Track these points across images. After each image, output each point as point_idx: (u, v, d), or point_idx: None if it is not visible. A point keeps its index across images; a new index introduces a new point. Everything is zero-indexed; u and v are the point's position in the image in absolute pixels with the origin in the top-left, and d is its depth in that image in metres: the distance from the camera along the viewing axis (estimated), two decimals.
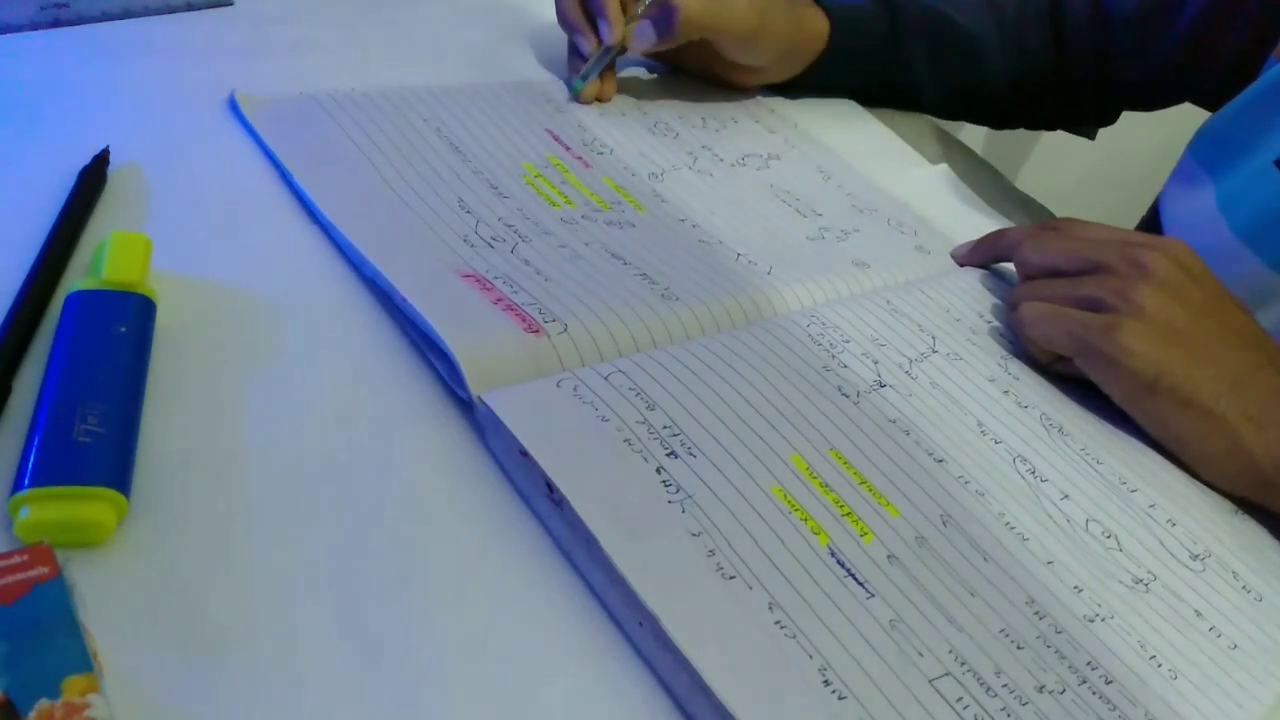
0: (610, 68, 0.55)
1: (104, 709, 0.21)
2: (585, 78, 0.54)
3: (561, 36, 0.57)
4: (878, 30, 0.64)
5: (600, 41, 0.54)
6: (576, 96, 0.54)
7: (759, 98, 0.62)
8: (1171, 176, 0.60)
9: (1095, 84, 0.69)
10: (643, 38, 0.55)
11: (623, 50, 0.55)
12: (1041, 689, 0.30)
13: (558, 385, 0.34)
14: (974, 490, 0.37)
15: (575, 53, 0.56)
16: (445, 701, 0.26)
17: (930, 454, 0.37)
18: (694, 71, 0.61)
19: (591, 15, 0.55)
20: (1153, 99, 0.70)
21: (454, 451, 0.33)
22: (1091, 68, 0.68)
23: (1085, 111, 0.74)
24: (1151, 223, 0.61)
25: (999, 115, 0.74)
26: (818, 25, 0.61)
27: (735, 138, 0.56)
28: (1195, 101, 0.67)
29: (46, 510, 0.26)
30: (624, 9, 0.55)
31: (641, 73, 0.60)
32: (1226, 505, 0.41)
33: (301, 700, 0.25)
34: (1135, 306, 0.41)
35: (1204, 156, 0.57)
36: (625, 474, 0.32)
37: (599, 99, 0.55)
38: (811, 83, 0.64)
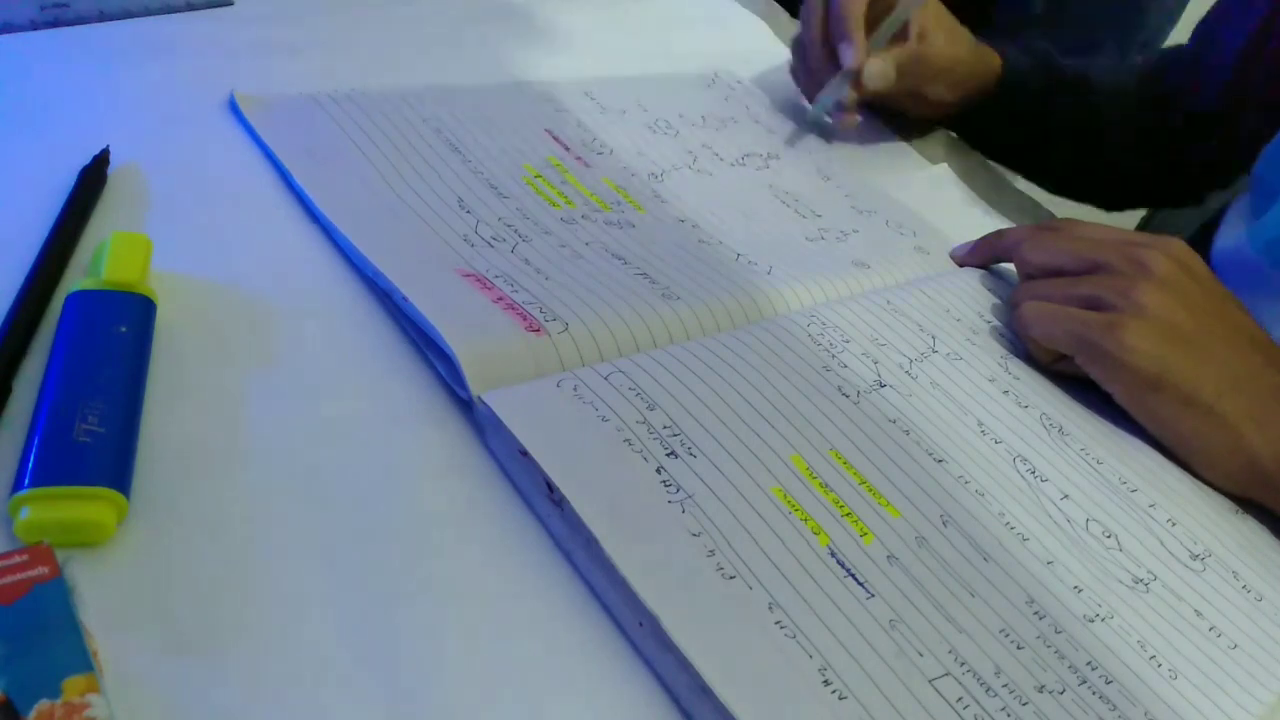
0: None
1: (104, 709, 0.21)
2: (834, 99, 0.52)
3: (562, 35, 0.56)
4: (1034, 86, 0.63)
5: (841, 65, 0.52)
6: (819, 120, 0.52)
7: (757, 96, 0.62)
8: (1220, 227, 0.61)
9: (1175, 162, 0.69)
10: (882, 77, 0.53)
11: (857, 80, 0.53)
12: (1041, 689, 0.30)
13: (558, 385, 0.34)
14: (974, 490, 0.37)
15: (805, 72, 0.54)
16: (444, 700, 0.26)
17: (930, 454, 0.37)
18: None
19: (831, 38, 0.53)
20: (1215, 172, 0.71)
21: (454, 451, 0.33)
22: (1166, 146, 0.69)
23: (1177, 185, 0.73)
24: (1154, 228, 0.62)
25: (1109, 196, 0.74)
26: (993, 62, 0.61)
27: (735, 138, 0.56)
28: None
29: (46, 510, 0.26)
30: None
31: (640, 72, 0.60)
32: (1227, 505, 0.41)
33: (301, 700, 0.25)
34: (1137, 305, 0.41)
35: (1249, 205, 0.58)
36: (625, 474, 0.32)
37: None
38: (968, 117, 0.63)
